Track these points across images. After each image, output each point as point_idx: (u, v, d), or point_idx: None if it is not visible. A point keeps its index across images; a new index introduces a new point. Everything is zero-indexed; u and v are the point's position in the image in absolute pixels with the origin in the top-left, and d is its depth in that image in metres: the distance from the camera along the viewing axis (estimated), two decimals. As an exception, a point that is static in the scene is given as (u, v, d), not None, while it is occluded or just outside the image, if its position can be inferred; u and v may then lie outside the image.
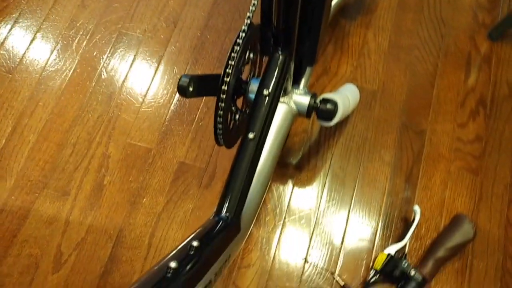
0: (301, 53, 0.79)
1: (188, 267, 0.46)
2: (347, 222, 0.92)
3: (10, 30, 1.11)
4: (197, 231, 0.57)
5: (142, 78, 1.06)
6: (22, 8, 1.13)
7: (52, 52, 1.08)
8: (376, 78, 1.05)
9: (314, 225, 0.92)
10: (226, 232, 0.60)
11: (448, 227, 0.87)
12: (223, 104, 0.67)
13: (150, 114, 1.02)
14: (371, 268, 0.86)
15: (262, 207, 0.92)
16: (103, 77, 1.06)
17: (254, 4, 0.63)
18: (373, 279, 0.84)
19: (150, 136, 1.00)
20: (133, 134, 1.00)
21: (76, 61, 1.07)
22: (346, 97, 0.85)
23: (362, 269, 0.88)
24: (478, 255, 0.89)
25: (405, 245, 0.86)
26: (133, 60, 1.08)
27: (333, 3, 0.97)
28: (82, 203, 0.95)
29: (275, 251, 0.89)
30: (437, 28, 1.10)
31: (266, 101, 0.67)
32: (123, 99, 1.04)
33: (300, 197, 0.94)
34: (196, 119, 1.02)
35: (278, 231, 0.91)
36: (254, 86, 0.74)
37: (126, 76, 1.06)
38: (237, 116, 0.76)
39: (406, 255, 0.86)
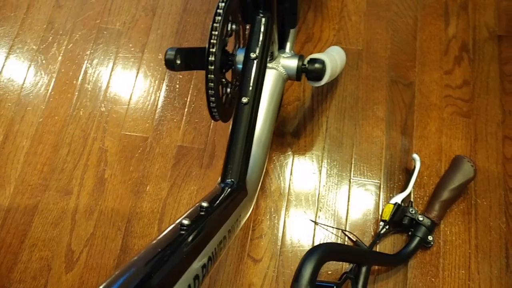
0: (282, 15, 0.79)
1: (201, 224, 0.47)
2: (350, 180, 0.93)
3: (-12, 39, 1.10)
4: (207, 196, 0.57)
5: (128, 69, 1.06)
6: (-3, 16, 1.12)
7: (33, 56, 1.08)
8: (359, 38, 1.06)
9: (319, 188, 0.93)
10: (233, 195, 0.61)
11: (449, 170, 0.89)
12: (212, 76, 0.68)
13: (142, 104, 1.02)
14: (380, 220, 0.87)
15: (266, 178, 0.93)
16: (89, 73, 1.06)
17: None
18: (383, 230, 0.85)
19: (145, 125, 1.00)
20: (128, 125, 1.00)
21: (60, 61, 1.07)
22: (332, 56, 0.86)
23: (372, 223, 0.90)
24: (481, 193, 0.90)
25: (410, 193, 0.87)
26: (117, 52, 1.08)
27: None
28: (86, 200, 0.95)
29: (285, 218, 0.90)
30: (411, -17, 1.12)
31: (255, 64, 0.68)
32: (112, 92, 1.04)
33: (302, 163, 0.95)
34: (187, 102, 1.02)
35: (284, 199, 0.92)
36: (241, 56, 0.74)
37: (112, 69, 1.06)
38: (228, 90, 0.76)
39: (412, 202, 0.87)
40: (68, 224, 0.93)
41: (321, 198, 0.92)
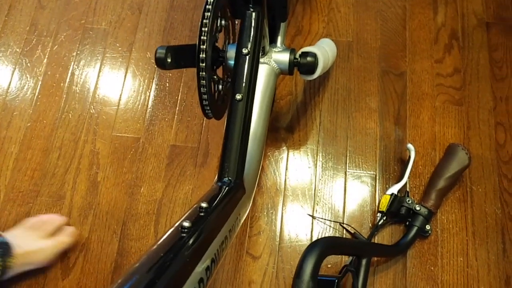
0: (272, 9, 0.78)
1: (202, 225, 0.46)
2: (346, 172, 0.93)
3: (-31, 44, 1.07)
4: (204, 196, 0.56)
5: (117, 69, 1.04)
6: (-22, 20, 1.09)
7: (17, 59, 1.05)
8: (349, 30, 1.05)
9: (315, 181, 0.92)
10: (231, 194, 0.60)
11: (443, 158, 0.89)
12: (204, 73, 0.67)
13: (132, 104, 1.01)
14: (377, 211, 0.87)
15: (262, 174, 0.93)
16: (76, 75, 1.03)
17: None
18: (381, 222, 0.85)
19: (136, 125, 0.99)
20: (118, 126, 0.99)
21: (45, 64, 1.04)
22: (324, 49, 0.85)
23: (369, 215, 0.90)
24: (475, 180, 0.91)
25: (406, 183, 0.87)
26: (104, 53, 1.05)
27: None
28: (79, 204, 0.93)
29: (282, 214, 0.90)
30: (398, -28, 1.11)
31: (247, 59, 0.67)
32: (101, 93, 1.02)
33: (297, 157, 0.95)
34: (178, 100, 1.01)
35: (281, 194, 0.91)
36: (232, 52, 0.73)
37: (100, 69, 1.04)
38: (220, 86, 0.75)
39: (408, 192, 0.88)
40: (62, 229, 0.91)
41: (317, 192, 0.92)
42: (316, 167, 0.94)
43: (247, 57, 0.67)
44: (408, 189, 0.88)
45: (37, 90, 1.02)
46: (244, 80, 0.66)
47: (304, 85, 1.01)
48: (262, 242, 0.88)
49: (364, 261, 0.77)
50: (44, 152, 0.97)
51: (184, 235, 0.43)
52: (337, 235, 0.89)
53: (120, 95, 1.01)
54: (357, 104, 0.99)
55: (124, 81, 1.03)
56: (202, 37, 0.64)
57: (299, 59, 0.78)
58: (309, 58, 0.78)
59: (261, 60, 0.79)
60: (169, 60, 0.67)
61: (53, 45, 1.06)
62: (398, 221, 0.88)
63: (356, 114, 0.98)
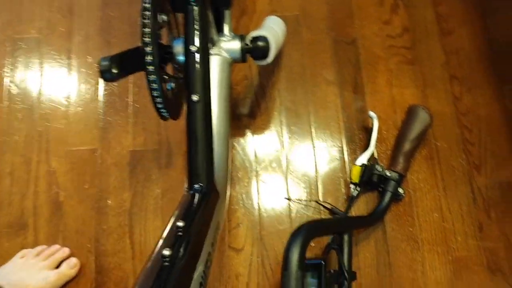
0: (214, -3, 0.74)
1: (182, 248, 0.44)
2: (314, 150, 0.93)
3: None
4: (177, 211, 0.54)
5: (58, 79, 0.97)
6: None
7: None
8: (294, 3, 1.03)
9: (285, 163, 0.91)
10: (206, 202, 0.58)
11: (405, 121, 0.90)
12: (154, 76, 0.63)
13: (81, 114, 0.95)
14: (350, 183, 0.88)
15: (231, 166, 0.90)
16: (14, 92, 0.96)
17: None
18: (355, 193, 0.86)
19: (90, 136, 0.93)
20: (72, 140, 0.93)
21: (-23, 85, 0.96)
22: (272, 29, 0.83)
23: (342, 187, 0.90)
24: (439, 136, 0.93)
25: (373, 151, 0.88)
26: (41, 63, 0.98)
27: None
28: (45, 229, 0.88)
29: (258, 202, 0.89)
30: None
31: (197, 56, 0.64)
32: (46, 108, 0.95)
33: (263, 143, 0.93)
34: (130, 103, 0.95)
35: (254, 183, 0.90)
36: (178, 47, 0.69)
37: (40, 82, 0.97)
38: (172, 84, 0.72)
39: (377, 160, 0.88)
40: (32, 258, 0.86)
41: (289, 174, 0.91)
42: (283, 148, 0.93)
43: (197, 54, 0.63)
44: (376, 157, 0.89)
45: (-26, 116, 0.94)
46: (198, 79, 0.63)
47: (258, 67, 0.98)
48: (242, 234, 0.87)
49: (346, 237, 0.77)
50: (-5, 180, 0.90)
51: (167, 263, 0.41)
52: (315, 213, 0.89)
53: (67, 106, 0.95)
54: (314, 78, 0.97)
55: (69, 91, 0.96)
56: (145, 39, 0.60)
57: (250, 45, 0.75)
58: (260, 43, 0.75)
59: (212, 52, 0.75)
60: (115, 70, 0.62)
61: (-19, 63, 0.97)
62: (371, 189, 0.89)
63: (315, 89, 0.96)
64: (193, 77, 0.63)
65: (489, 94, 0.96)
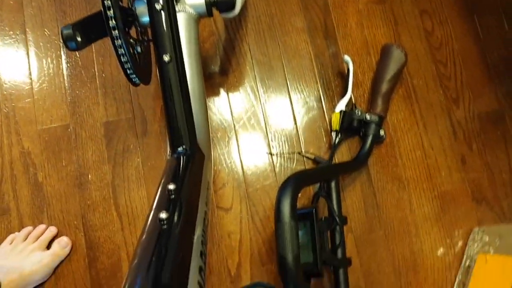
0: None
1: (177, 210, 0.43)
2: (291, 101, 0.92)
3: None
4: (165, 176, 0.53)
5: (16, 56, 0.92)
6: None
7: None
8: (255, -51, 0.98)
9: (264, 118, 0.90)
10: (192, 163, 0.56)
11: (380, 62, 0.89)
12: (119, 41, 0.60)
13: (47, 90, 0.90)
14: (331, 131, 0.88)
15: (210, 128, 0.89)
16: (-29, 75, 0.90)
17: None
18: (337, 140, 0.86)
19: (60, 112, 0.89)
20: (41, 119, 0.89)
21: None
22: (237, -21, 0.79)
23: (323, 136, 0.90)
24: (415, 74, 0.93)
25: (351, 96, 0.87)
26: (-6, 42, 0.92)
27: None
28: (28, 211, 0.86)
29: (241, 160, 0.88)
30: None
31: (163, 15, 0.61)
32: (8, 88, 0.90)
33: (238, 99, 0.91)
34: (96, 72, 0.91)
35: (234, 141, 0.89)
36: (141, 8, 0.66)
37: (-3, 62, 0.91)
38: (139, 48, 0.69)
39: (355, 104, 0.88)
40: (19, 242, 0.84)
41: (268, 128, 0.90)
42: (260, 103, 0.91)
43: (162, 12, 0.60)
44: (354, 101, 0.89)
45: None
46: (167, 38, 0.60)
47: (224, 21, 0.94)
48: (229, 193, 0.87)
49: (333, 184, 0.78)
50: (-33, 169, 0.86)
51: (165, 226, 0.40)
52: (299, 164, 0.89)
53: (31, 84, 0.90)
54: (283, 28, 0.95)
55: (29, 67, 0.91)
56: (105, 2, 0.57)
57: (214, -3, 0.72)
58: (225, -5, 0.72)
59: (176, 8, 0.71)
60: (79, 38, 0.59)
61: None
62: (352, 135, 0.90)
63: (285, 38, 0.94)
64: (161, 37, 0.60)
65: (461, 26, 0.95)
